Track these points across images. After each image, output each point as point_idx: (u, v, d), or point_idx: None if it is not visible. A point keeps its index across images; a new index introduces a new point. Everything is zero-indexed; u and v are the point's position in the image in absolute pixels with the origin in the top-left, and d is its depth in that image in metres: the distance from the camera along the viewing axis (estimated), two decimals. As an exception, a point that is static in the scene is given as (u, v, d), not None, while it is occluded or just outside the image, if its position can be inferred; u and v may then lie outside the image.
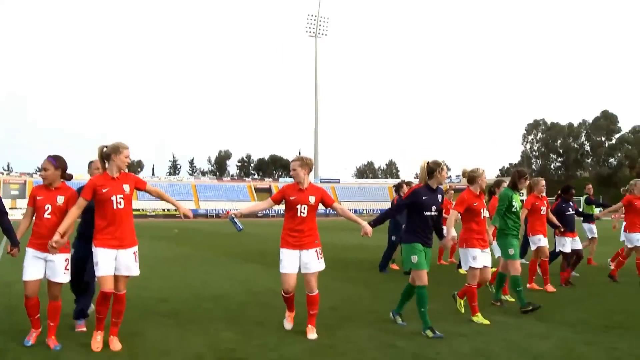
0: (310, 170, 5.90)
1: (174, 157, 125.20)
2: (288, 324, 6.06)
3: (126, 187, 5.25)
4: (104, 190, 5.14)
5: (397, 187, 11.38)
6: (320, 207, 5.90)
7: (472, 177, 6.70)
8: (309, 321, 5.79)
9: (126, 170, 5.38)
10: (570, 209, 9.77)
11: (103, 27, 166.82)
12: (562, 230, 9.28)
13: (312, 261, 5.72)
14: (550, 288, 8.75)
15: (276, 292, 7.30)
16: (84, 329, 5.87)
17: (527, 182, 7.88)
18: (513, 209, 7.45)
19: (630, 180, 10.65)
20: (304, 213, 5.72)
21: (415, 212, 5.98)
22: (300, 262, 5.73)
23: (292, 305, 6.03)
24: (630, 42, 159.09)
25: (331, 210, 6.61)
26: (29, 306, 5.28)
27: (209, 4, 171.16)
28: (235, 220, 5.95)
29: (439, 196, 6.07)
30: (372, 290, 8.98)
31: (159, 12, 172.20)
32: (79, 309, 6.01)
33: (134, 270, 5.27)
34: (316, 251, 5.76)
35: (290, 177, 5.84)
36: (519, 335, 5.85)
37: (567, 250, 9.48)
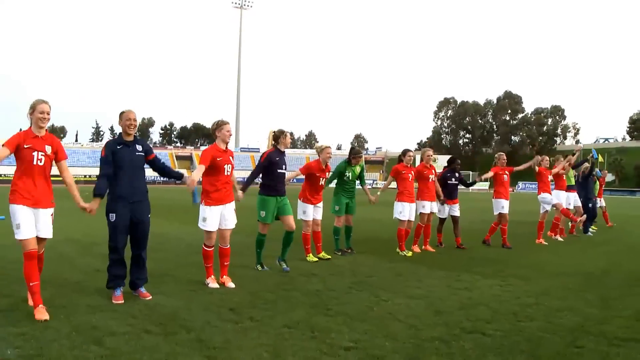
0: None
1: (97, 124, 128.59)
2: None
3: (48, 148, 5.00)
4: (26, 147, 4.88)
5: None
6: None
7: (317, 150, 8.48)
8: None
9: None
10: (453, 179, 10.47)
11: None
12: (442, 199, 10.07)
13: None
14: (428, 248, 9.77)
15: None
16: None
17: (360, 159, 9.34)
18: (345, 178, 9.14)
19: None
20: None
21: (269, 171, 7.31)
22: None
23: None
24: (533, 29, 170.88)
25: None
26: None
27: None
28: (196, 192, 6.70)
29: (284, 158, 7.45)
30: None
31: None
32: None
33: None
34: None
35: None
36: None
37: (442, 215, 10.34)
